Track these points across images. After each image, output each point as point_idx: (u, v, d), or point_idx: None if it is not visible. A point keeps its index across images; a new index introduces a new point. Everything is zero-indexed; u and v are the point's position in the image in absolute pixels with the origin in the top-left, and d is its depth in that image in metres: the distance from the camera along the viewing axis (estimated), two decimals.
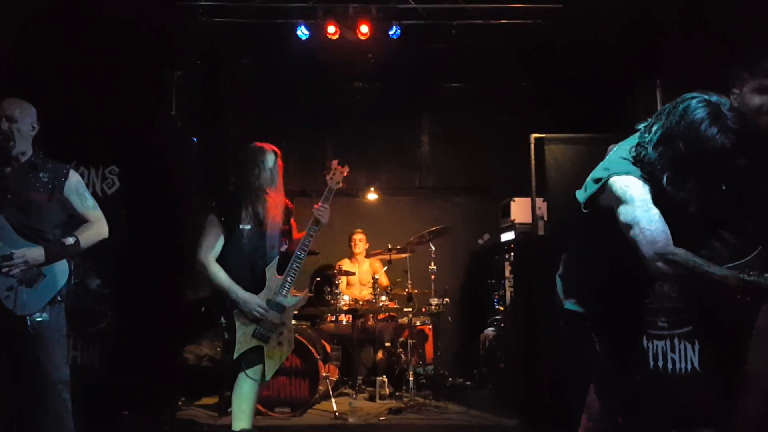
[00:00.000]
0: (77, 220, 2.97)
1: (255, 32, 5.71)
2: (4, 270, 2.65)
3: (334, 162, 3.66)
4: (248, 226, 3.36)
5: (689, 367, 4.29)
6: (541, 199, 4.65)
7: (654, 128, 2.20)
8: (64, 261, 2.86)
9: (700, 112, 2.09)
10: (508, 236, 5.54)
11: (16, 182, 2.82)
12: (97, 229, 2.98)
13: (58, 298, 2.81)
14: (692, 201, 2.16)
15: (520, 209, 5.29)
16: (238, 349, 3.26)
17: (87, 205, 3.00)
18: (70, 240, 2.85)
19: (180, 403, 4.99)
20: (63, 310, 2.85)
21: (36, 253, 2.72)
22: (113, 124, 4.72)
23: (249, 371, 3.27)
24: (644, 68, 4.87)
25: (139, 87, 5.21)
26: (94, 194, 4.37)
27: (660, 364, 4.32)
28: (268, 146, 3.50)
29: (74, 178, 2.98)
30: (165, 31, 5.27)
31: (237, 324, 3.29)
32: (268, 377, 3.32)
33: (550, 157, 4.55)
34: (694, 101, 2.13)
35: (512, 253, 5.39)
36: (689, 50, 4.30)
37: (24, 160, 2.88)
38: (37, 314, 2.71)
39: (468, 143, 6.82)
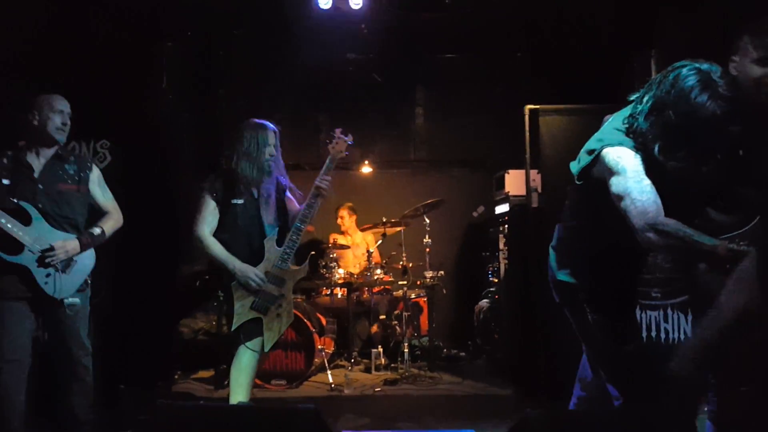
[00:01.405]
0: (96, 210, 3.30)
1: (246, 2, 5.61)
2: (47, 260, 2.96)
3: (338, 130, 3.55)
4: (242, 201, 3.34)
5: (682, 337, 4.33)
6: (536, 170, 4.64)
7: (645, 98, 2.19)
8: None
9: (691, 80, 2.08)
10: (502, 208, 5.54)
11: (46, 174, 3.11)
12: (117, 219, 3.34)
13: (88, 281, 3.20)
14: (684, 170, 2.15)
15: (514, 181, 5.27)
16: (236, 321, 3.27)
17: (107, 197, 3.34)
18: (97, 230, 3.19)
19: (176, 376, 5.03)
20: (89, 292, 3.23)
21: (73, 244, 3.06)
22: (104, 97, 4.65)
23: (248, 343, 3.28)
24: (639, 38, 4.81)
25: (129, 60, 5.12)
26: None
27: (653, 334, 4.35)
28: (266, 124, 3.43)
29: (96, 171, 3.31)
30: (155, 2, 5.18)
31: (235, 296, 3.29)
32: (267, 349, 3.33)
33: (544, 128, 4.52)
34: (684, 69, 2.12)
35: (506, 226, 5.40)
36: (684, 20, 4.26)
37: (51, 153, 3.15)
38: (71, 297, 3.09)
39: (462, 115, 6.75)
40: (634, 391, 2.40)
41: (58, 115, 3.09)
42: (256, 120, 3.44)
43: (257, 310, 3.30)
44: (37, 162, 3.11)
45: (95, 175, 3.28)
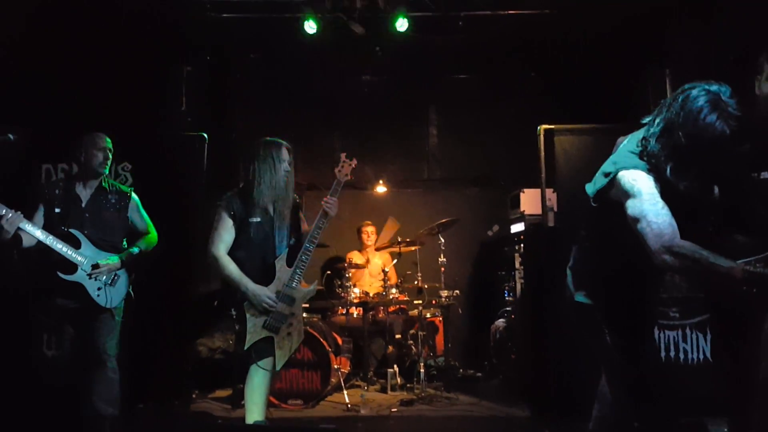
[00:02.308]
0: (135, 233, 3.76)
1: (263, 27, 5.71)
2: (93, 276, 3.43)
3: (343, 155, 3.67)
4: (258, 220, 3.38)
5: (701, 357, 4.29)
6: (551, 190, 4.64)
7: (657, 121, 2.22)
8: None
9: (700, 101, 2.11)
10: (517, 227, 5.54)
11: (92, 204, 3.58)
12: (152, 239, 3.78)
13: (130, 292, 3.65)
14: (697, 191, 2.16)
15: (529, 200, 5.28)
16: (249, 340, 3.30)
17: (144, 221, 3.80)
18: (135, 250, 3.65)
19: (194, 395, 5.04)
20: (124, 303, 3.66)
21: (114, 263, 3.52)
22: (124, 120, 4.74)
23: (260, 362, 3.31)
24: (653, 57, 4.84)
25: (148, 83, 5.23)
26: None
27: (672, 354, 4.32)
28: (279, 141, 3.50)
29: (135, 199, 3.76)
30: (174, 27, 5.29)
31: (247, 316, 3.32)
32: (278, 368, 3.36)
33: (559, 148, 4.54)
34: (694, 91, 2.14)
35: (522, 245, 5.39)
36: (698, 38, 4.28)
37: (96, 184, 3.61)
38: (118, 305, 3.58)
39: (476, 134, 6.80)
40: (652, 411, 2.38)
41: (101, 151, 3.60)
42: (270, 138, 3.51)
43: (269, 329, 3.33)
44: (84, 193, 3.59)
45: (134, 203, 3.74)
